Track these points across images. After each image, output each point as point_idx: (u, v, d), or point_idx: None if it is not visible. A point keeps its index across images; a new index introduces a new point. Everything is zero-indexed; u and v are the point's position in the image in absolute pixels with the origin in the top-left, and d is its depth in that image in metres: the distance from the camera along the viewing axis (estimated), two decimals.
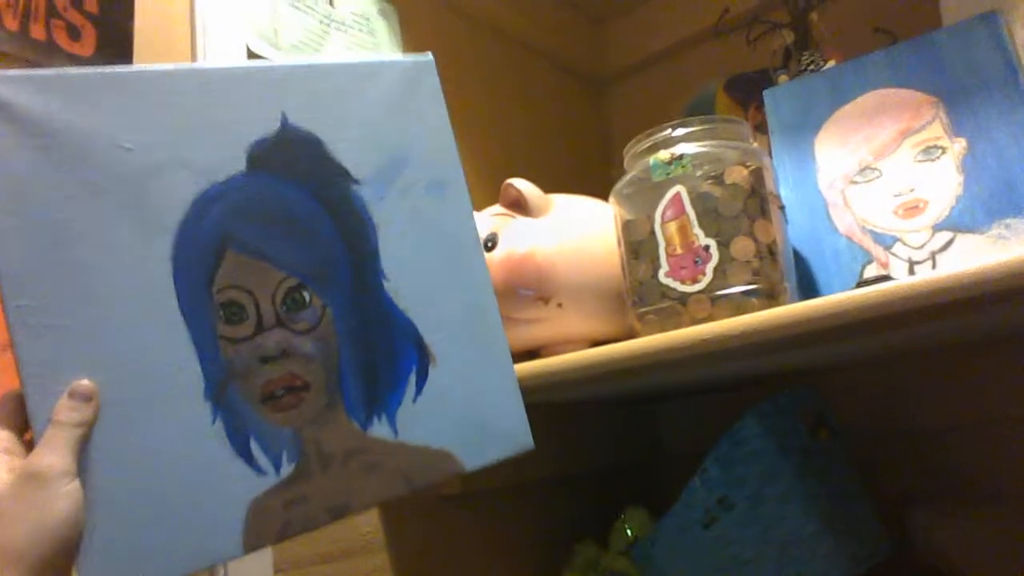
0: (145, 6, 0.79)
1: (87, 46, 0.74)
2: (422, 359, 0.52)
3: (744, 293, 0.59)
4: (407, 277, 0.52)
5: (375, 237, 0.52)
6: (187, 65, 0.58)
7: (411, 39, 1.04)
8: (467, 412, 0.53)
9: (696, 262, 0.61)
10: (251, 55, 0.84)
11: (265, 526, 0.46)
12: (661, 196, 0.63)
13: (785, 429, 0.69)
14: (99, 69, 0.47)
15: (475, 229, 0.56)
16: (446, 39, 1.09)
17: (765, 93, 0.75)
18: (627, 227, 0.66)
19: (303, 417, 0.48)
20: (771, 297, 0.59)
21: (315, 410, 0.49)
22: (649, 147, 0.65)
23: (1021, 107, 0.62)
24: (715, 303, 0.60)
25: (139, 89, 0.47)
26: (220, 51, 0.83)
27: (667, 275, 0.62)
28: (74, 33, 0.73)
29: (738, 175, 0.61)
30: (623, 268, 0.66)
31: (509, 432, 0.54)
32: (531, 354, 0.71)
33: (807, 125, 0.71)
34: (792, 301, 0.60)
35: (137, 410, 0.44)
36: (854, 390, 0.91)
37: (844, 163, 0.69)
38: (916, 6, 0.70)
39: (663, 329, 0.61)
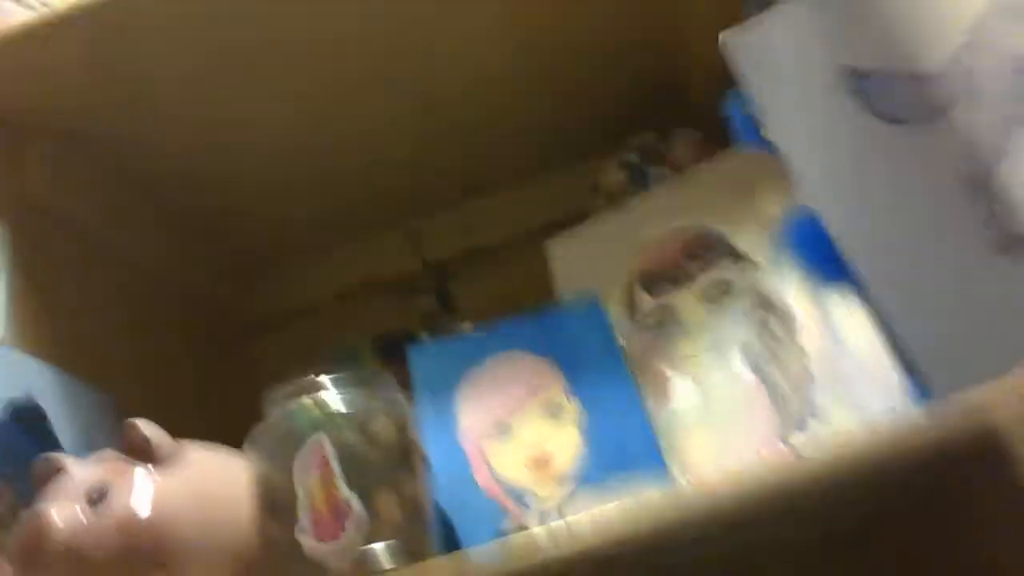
0: None
1: None
2: None
3: (387, 550, 0.56)
4: None
5: None
6: None
7: (24, 258, 0.89)
8: None
9: (337, 518, 0.57)
10: None
11: None
12: (302, 445, 0.59)
13: None
14: None
15: None
16: (65, 264, 0.96)
17: (410, 350, 0.78)
18: (262, 480, 0.60)
19: None
20: (415, 554, 0.57)
21: None
22: (291, 392, 0.62)
23: (624, 378, 0.72)
24: (355, 562, 0.55)
25: None
26: None
27: (304, 533, 0.57)
28: None
29: (383, 426, 0.61)
30: (257, 527, 0.60)
31: None
32: None
33: (448, 383, 0.75)
34: (435, 557, 0.58)
35: None
36: None
37: (482, 419, 0.72)
38: (540, 279, 0.81)
39: None
